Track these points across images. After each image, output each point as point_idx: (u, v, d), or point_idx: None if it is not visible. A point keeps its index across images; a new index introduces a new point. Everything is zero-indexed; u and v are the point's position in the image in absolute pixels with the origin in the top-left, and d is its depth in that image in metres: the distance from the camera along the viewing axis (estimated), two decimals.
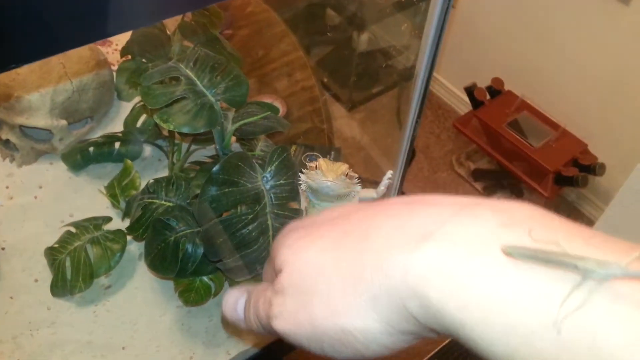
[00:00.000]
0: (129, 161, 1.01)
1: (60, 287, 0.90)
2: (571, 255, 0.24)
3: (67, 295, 0.90)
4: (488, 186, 2.64)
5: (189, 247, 0.78)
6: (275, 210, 0.71)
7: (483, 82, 2.51)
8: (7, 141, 1.02)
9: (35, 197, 1.00)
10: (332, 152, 1.09)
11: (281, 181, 0.72)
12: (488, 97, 2.50)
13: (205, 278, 0.81)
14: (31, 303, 0.86)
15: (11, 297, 0.88)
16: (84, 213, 0.98)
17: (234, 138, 0.83)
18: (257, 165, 0.70)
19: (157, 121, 0.67)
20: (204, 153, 1.03)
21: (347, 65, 1.79)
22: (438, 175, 2.56)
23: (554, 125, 2.38)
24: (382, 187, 0.80)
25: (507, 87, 2.53)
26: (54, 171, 1.06)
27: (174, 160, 1.01)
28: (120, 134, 1.05)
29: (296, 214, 0.74)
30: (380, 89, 1.79)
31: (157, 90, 0.69)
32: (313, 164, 0.75)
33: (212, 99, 0.71)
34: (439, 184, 2.52)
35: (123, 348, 0.83)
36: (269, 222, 0.71)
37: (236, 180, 0.67)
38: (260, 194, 0.70)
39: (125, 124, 1.05)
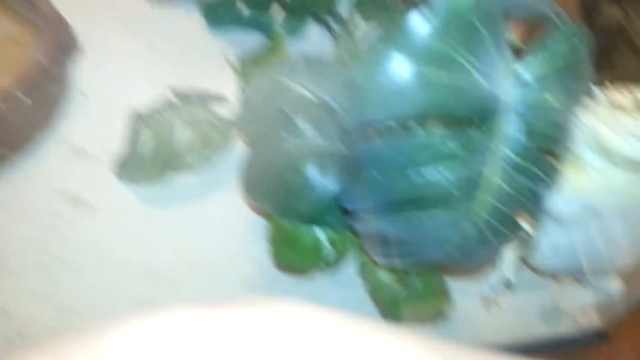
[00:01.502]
0: (281, 31, 0.72)
1: (129, 165, 0.61)
2: None
3: (133, 182, 0.61)
4: None
5: (314, 173, 0.43)
6: (513, 154, 0.33)
7: None
8: None
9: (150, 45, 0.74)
10: None
11: (552, 98, 0.32)
12: None
13: (320, 232, 0.46)
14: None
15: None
16: (200, 82, 0.69)
17: None
18: (506, 46, 0.31)
19: None
20: None
21: None
22: None
23: None
24: None
25: None
26: (186, 21, 0.79)
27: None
28: None
29: (552, 175, 0.36)
30: None
31: None
32: (625, 93, 0.35)
33: None
34: None
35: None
36: (489, 171, 0.33)
37: (457, 60, 0.30)
38: (493, 105, 0.32)
39: None
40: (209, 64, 0.74)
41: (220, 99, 0.66)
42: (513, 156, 0.33)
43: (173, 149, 0.62)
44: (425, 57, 0.30)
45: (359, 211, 0.36)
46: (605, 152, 0.37)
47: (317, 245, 0.46)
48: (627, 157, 0.36)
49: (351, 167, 0.34)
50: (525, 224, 0.37)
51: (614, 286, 0.50)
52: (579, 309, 0.53)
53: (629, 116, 0.35)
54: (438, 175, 0.32)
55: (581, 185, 0.39)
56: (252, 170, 0.47)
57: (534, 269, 0.49)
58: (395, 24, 0.30)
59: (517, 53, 0.33)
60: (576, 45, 0.32)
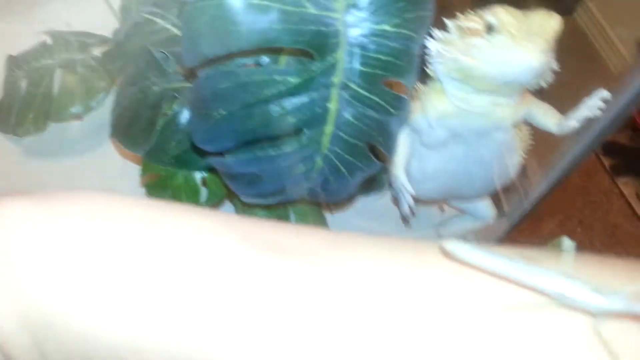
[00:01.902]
0: None
1: (3, 119, 0.58)
2: (554, 271, 0.20)
3: (9, 133, 0.57)
4: (618, 165, 2.15)
5: (179, 113, 0.41)
6: (355, 85, 0.33)
7: None
8: None
9: None
10: None
11: (390, 26, 0.32)
12: None
13: (196, 174, 0.45)
14: None
15: None
16: (85, 25, 0.66)
17: None
18: None
19: None
20: None
21: None
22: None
23: None
24: (582, 112, 0.39)
25: None
26: None
27: None
28: None
29: (399, 104, 0.36)
30: None
31: None
32: (474, 19, 0.35)
33: None
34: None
35: None
36: (334, 104, 0.33)
37: None
38: (332, 37, 0.31)
39: None
40: (89, 3, 0.68)
41: (103, 40, 0.62)
42: (355, 87, 0.32)
43: (53, 97, 0.58)
44: None
45: (213, 151, 0.35)
46: (464, 77, 0.37)
47: (193, 189, 0.45)
48: (484, 79, 0.36)
49: (200, 107, 0.33)
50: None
51: (488, 210, 0.52)
52: (459, 235, 0.56)
53: (482, 38, 0.35)
54: (283, 111, 0.32)
55: (444, 110, 0.40)
56: (120, 114, 0.45)
57: (415, 198, 0.50)
58: None
59: None
60: None
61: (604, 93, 0.38)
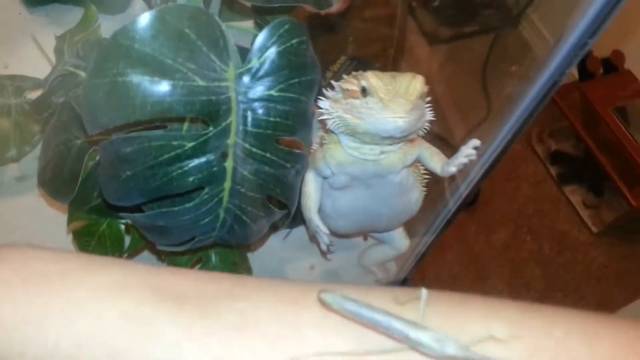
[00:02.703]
0: (93, 8, 0.67)
1: None
2: (405, 321, 0.23)
3: None
4: (564, 173, 2.24)
5: (96, 166, 0.44)
6: (249, 145, 0.36)
7: (600, 52, 2.04)
8: None
9: None
10: None
11: (275, 91, 0.35)
12: (601, 71, 2.05)
13: (120, 223, 0.47)
14: None
15: None
16: (22, 68, 0.67)
17: None
18: (232, 48, 0.34)
19: None
20: None
21: None
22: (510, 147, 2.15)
23: None
24: (460, 159, 0.43)
25: (627, 66, 2.07)
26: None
27: None
28: None
29: (293, 159, 0.39)
30: (474, 29, 1.36)
31: None
32: (353, 81, 0.39)
33: None
34: (508, 156, 2.11)
35: None
36: (230, 163, 0.36)
37: (175, 65, 0.32)
38: (223, 104, 0.34)
39: None
40: (27, 46, 0.70)
41: (37, 84, 0.64)
42: (249, 147, 0.36)
43: None
44: (143, 64, 0.31)
45: (123, 206, 0.38)
46: (350, 132, 0.41)
47: (116, 236, 0.48)
48: (366, 134, 0.40)
49: (108, 167, 0.36)
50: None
51: (402, 240, 0.56)
52: (378, 264, 0.60)
53: (359, 100, 0.39)
54: (182, 171, 0.35)
55: (341, 159, 0.44)
56: (45, 165, 0.48)
57: (334, 233, 0.53)
58: (121, 31, 0.32)
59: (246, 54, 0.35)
60: (297, 42, 0.35)
61: (476, 142, 0.42)
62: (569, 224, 2.04)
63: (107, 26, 0.63)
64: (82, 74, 0.49)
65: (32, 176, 0.61)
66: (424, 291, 0.27)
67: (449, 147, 0.50)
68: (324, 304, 0.24)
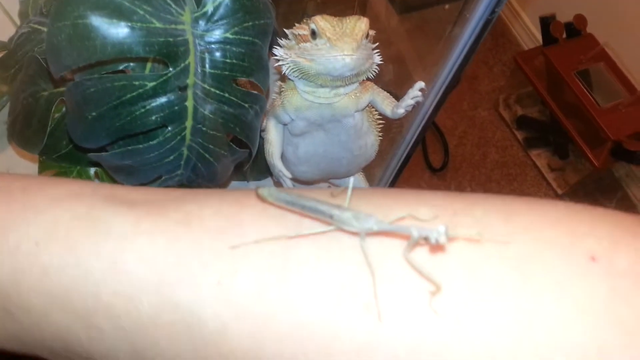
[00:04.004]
0: None
1: None
2: (330, 204, 0.25)
3: None
4: (530, 138, 2.29)
5: (64, 114, 0.46)
6: (207, 86, 0.38)
7: (563, 17, 2.07)
8: None
9: None
10: None
11: (231, 34, 0.38)
12: (564, 35, 2.08)
13: (90, 169, 0.50)
14: None
15: None
16: None
17: None
18: None
19: None
20: None
21: None
22: (477, 113, 2.20)
23: (630, 88, 1.97)
24: (407, 101, 0.46)
25: (589, 29, 2.10)
26: None
27: None
28: None
29: (251, 99, 0.42)
30: None
31: None
32: (304, 27, 0.42)
33: None
34: (476, 122, 2.16)
35: None
36: (190, 102, 0.38)
37: (132, 7, 0.34)
38: (180, 45, 0.37)
39: None
40: None
41: (2, 46, 0.65)
42: (208, 87, 0.38)
43: None
44: (101, 6, 0.33)
45: (91, 148, 0.40)
46: (304, 76, 0.44)
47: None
48: (318, 75, 0.43)
49: (74, 109, 0.38)
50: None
51: (362, 185, 0.59)
52: None
53: (310, 43, 0.42)
54: (145, 110, 0.37)
55: (297, 104, 0.47)
56: (15, 119, 0.49)
57: (298, 180, 0.56)
58: None
59: None
60: None
61: (421, 84, 0.45)
62: (535, 187, 2.10)
63: None
64: (45, 29, 0.51)
65: (2, 136, 0.62)
66: (351, 180, 0.29)
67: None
68: (260, 197, 0.27)
